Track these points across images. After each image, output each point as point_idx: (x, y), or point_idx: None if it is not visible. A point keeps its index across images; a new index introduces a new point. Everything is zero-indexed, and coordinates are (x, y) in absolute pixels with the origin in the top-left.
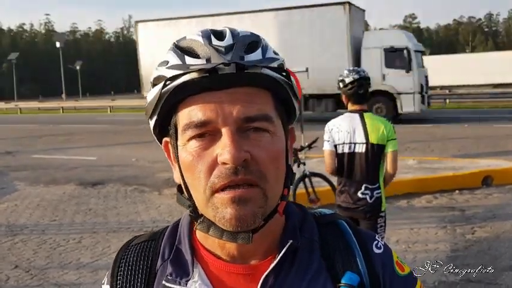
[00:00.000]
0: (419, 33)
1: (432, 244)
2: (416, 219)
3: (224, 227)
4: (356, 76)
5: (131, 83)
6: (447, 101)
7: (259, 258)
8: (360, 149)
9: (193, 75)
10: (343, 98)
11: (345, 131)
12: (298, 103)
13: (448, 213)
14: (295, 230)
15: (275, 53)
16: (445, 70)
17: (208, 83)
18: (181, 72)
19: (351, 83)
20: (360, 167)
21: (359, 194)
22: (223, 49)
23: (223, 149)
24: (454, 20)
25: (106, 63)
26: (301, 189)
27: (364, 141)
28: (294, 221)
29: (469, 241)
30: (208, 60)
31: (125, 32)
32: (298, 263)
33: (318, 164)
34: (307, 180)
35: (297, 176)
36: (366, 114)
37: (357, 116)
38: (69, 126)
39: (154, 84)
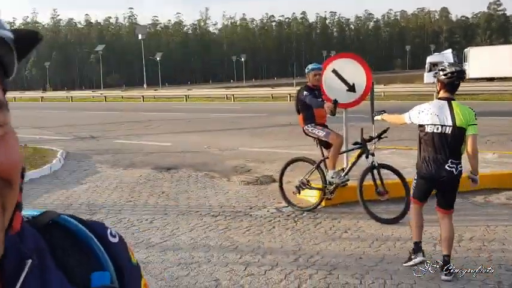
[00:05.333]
0: (505, 21)
1: (510, 244)
2: (494, 217)
3: None
4: (458, 68)
5: (206, 74)
6: None
7: None
8: (448, 130)
9: None
10: (438, 85)
11: (434, 114)
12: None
13: None
14: (15, 244)
15: None
16: None
17: None
18: None
19: (451, 72)
20: (448, 145)
21: (446, 167)
22: None
23: None
24: None
25: (184, 54)
26: (368, 181)
27: (451, 124)
28: (7, 233)
29: None
30: None
31: (202, 23)
32: (30, 284)
33: (389, 156)
34: (375, 171)
35: (365, 167)
36: (454, 103)
37: (445, 102)
38: (148, 113)
39: None
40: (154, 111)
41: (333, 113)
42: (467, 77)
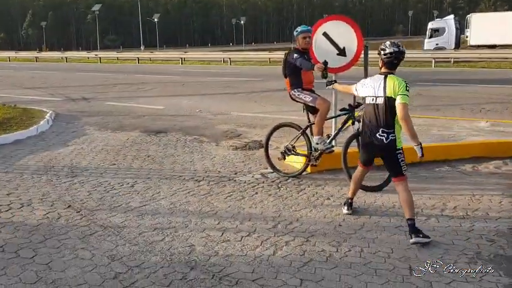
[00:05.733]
0: None
1: (494, 213)
2: (481, 186)
3: None
4: (396, 49)
5: (205, 36)
6: None
7: None
8: (380, 101)
9: None
10: (380, 62)
11: (371, 86)
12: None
13: None
14: None
15: None
16: None
17: None
18: None
19: (390, 53)
20: (379, 115)
21: (377, 135)
22: None
23: None
24: None
25: (182, 16)
26: (353, 147)
27: (382, 95)
28: None
29: None
30: None
31: None
32: None
33: None
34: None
35: (351, 134)
36: (389, 76)
37: (382, 76)
38: (143, 76)
39: None
40: (149, 74)
41: (324, 75)
42: (468, 44)
